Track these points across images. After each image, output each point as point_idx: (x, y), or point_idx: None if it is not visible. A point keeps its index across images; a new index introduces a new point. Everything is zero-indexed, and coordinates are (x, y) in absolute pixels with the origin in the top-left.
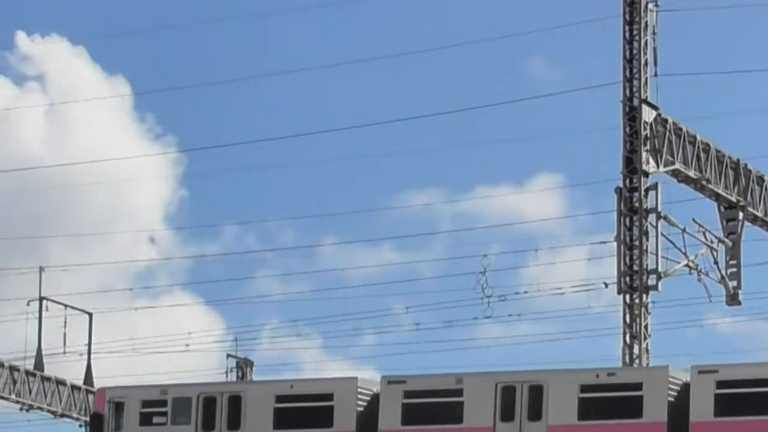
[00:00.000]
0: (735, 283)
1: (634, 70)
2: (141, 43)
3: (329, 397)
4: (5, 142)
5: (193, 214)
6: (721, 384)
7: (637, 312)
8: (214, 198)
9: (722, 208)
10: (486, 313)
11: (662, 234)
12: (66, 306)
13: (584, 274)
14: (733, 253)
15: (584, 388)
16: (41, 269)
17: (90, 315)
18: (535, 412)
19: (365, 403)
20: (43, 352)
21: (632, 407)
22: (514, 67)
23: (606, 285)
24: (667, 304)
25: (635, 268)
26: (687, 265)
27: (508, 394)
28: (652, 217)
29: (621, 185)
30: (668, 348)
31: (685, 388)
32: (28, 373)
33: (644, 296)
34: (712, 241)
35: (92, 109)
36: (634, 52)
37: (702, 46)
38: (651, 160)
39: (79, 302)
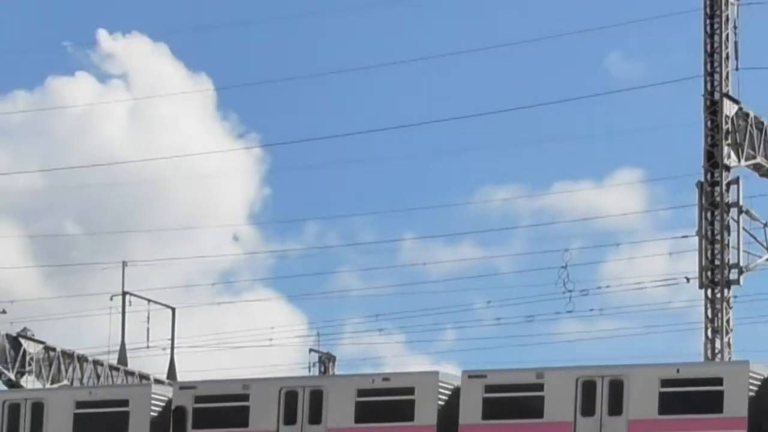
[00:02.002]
0: None
1: (715, 64)
2: (222, 39)
3: (409, 391)
4: (89, 140)
5: (276, 211)
6: None
7: (718, 307)
8: (297, 195)
9: None
10: (567, 308)
11: (744, 228)
12: (149, 301)
13: (665, 269)
14: None
15: (665, 383)
16: (124, 264)
17: (173, 310)
18: (616, 407)
19: (446, 398)
20: (127, 347)
21: (713, 402)
22: (594, 62)
23: (687, 280)
24: (748, 299)
25: (717, 262)
26: None
27: (588, 388)
28: (733, 212)
29: (702, 180)
30: (750, 343)
31: (765, 383)
32: (111, 367)
33: (726, 291)
34: None
35: (176, 107)
36: (715, 45)
37: None
38: (732, 154)
39: (162, 298)
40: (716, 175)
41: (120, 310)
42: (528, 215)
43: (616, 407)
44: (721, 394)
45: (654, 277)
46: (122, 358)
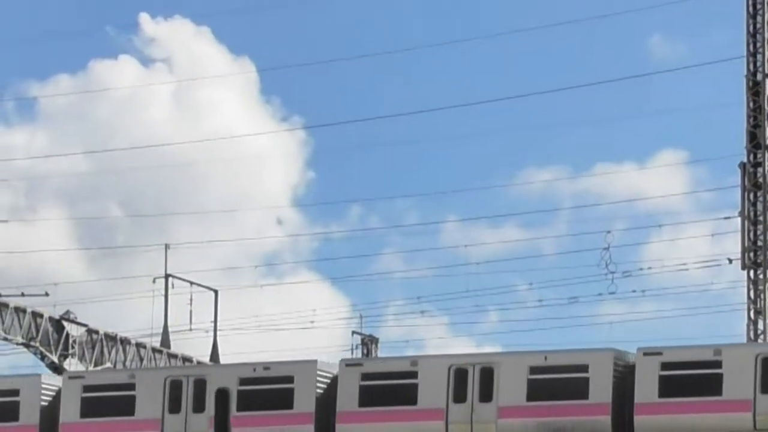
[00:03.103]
0: None
1: (758, 45)
2: (264, 22)
3: (289, 379)
4: (133, 123)
5: (320, 194)
6: None
7: (761, 288)
8: (340, 177)
9: None
10: (610, 290)
11: None
12: (192, 283)
13: (707, 250)
14: None
15: (533, 370)
16: (167, 247)
17: (216, 292)
18: (486, 394)
19: (324, 386)
20: (170, 329)
21: (579, 388)
22: (636, 43)
23: (730, 261)
24: None
25: (759, 243)
26: None
27: (460, 375)
28: None
29: (745, 160)
30: None
31: (629, 368)
32: (154, 350)
33: None
34: None
35: (218, 90)
36: (758, 26)
37: None
38: None
39: (205, 280)
40: (759, 155)
41: (163, 292)
42: (570, 197)
43: (486, 394)
44: (587, 380)
45: (696, 259)
46: (165, 341)
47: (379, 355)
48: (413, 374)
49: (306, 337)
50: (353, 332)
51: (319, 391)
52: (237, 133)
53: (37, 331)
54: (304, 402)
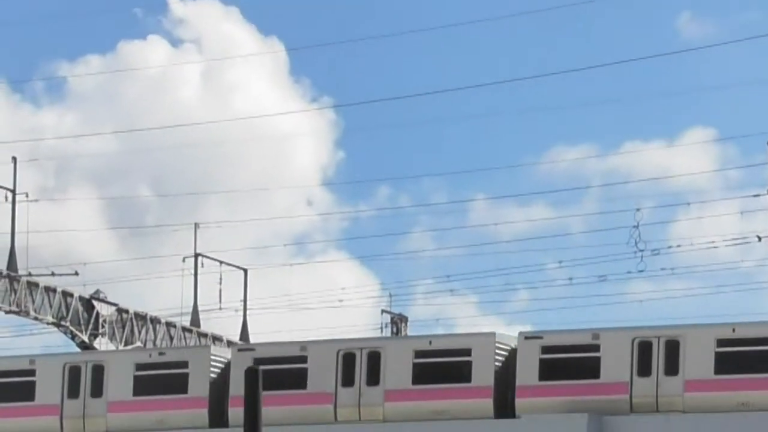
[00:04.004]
0: None
1: None
2: (292, 2)
3: (183, 364)
4: (162, 103)
5: (349, 174)
6: None
7: None
8: (370, 157)
9: None
10: (639, 267)
11: None
12: (221, 262)
13: (736, 228)
14: None
15: (418, 354)
16: (196, 226)
17: (245, 271)
18: (374, 378)
19: (218, 371)
20: (199, 308)
21: (462, 371)
22: (666, 22)
23: (759, 239)
24: None
25: None
26: None
27: (348, 360)
28: None
29: None
30: None
31: (512, 354)
32: (184, 329)
33: None
34: None
35: (247, 70)
36: None
37: None
38: None
39: (234, 259)
40: None
41: (192, 271)
42: (599, 175)
43: (374, 378)
44: (470, 364)
45: (725, 237)
46: (195, 320)
47: (408, 333)
48: (303, 359)
49: (335, 316)
50: (382, 311)
51: (213, 375)
52: (266, 113)
53: (67, 311)
54: (199, 387)
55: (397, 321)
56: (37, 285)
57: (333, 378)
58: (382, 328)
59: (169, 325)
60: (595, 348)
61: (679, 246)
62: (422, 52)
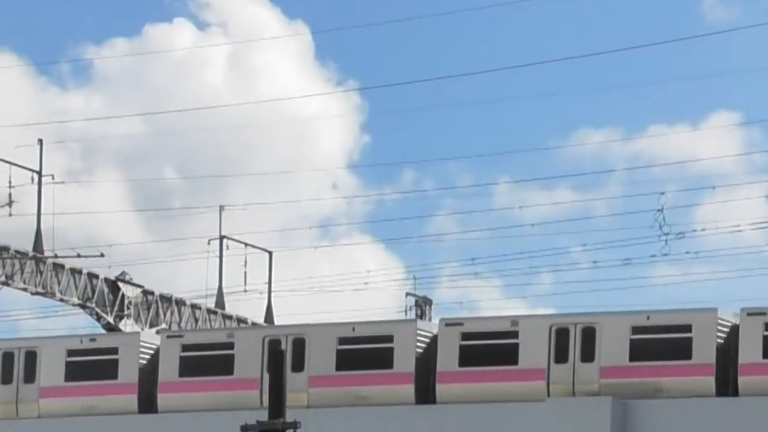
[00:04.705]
0: None
1: None
2: None
3: (113, 351)
4: (188, 86)
5: (374, 157)
6: None
7: None
8: (394, 140)
9: None
10: (663, 251)
11: None
12: (246, 245)
13: (761, 212)
14: None
15: (341, 341)
16: (221, 208)
17: (270, 253)
18: (299, 364)
19: (148, 357)
20: (224, 291)
21: (384, 358)
22: (690, 5)
23: None
24: None
25: None
26: None
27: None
28: None
29: None
30: None
31: (433, 340)
32: (209, 311)
33: None
34: None
35: (273, 54)
36: None
37: None
38: None
39: (260, 242)
40: None
41: (217, 254)
42: (623, 159)
43: (298, 364)
44: (391, 350)
45: (750, 221)
46: (220, 302)
47: (433, 317)
48: (230, 345)
49: (360, 299)
50: (407, 294)
51: (142, 362)
52: (292, 96)
53: (93, 293)
54: (128, 373)
55: (422, 304)
56: (62, 267)
57: (259, 364)
58: (406, 310)
59: (194, 307)
60: (514, 335)
61: (703, 230)
62: (448, 35)
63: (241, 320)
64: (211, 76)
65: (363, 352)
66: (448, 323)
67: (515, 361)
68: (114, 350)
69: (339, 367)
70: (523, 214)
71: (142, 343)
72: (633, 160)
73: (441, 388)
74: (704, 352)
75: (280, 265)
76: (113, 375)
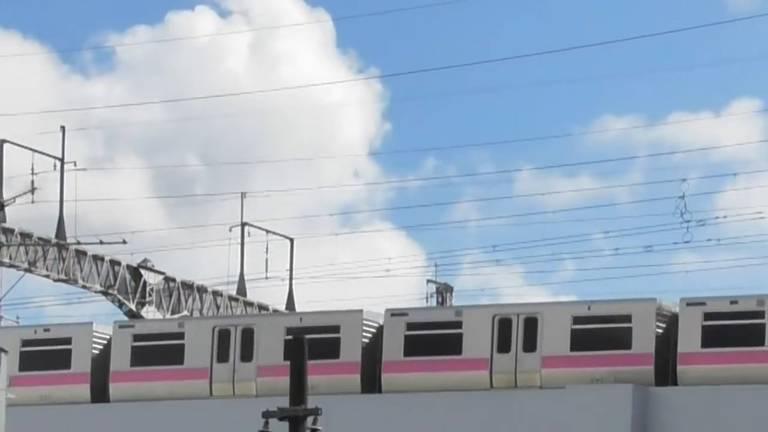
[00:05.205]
0: None
1: None
2: None
3: (67, 341)
4: (210, 73)
5: (395, 145)
6: None
7: None
8: (416, 128)
9: None
10: (685, 238)
11: None
12: (268, 231)
13: None
14: None
15: (289, 331)
16: (243, 195)
17: (291, 240)
18: (247, 354)
19: (101, 347)
20: (246, 278)
21: (331, 348)
22: None
23: None
24: None
25: None
26: None
27: (223, 336)
28: None
29: None
30: None
31: (379, 330)
32: (231, 298)
33: None
34: None
35: (295, 41)
36: None
37: None
38: None
39: (281, 229)
40: None
41: (239, 240)
42: (645, 146)
43: (247, 354)
44: (338, 340)
45: None
46: (241, 289)
47: (454, 303)
48: (180, 335)
49: (381, 286)
50: (428, 281)
51: (95, 351)
52: (313, 83)
53: (115, 279)
54: (81, 363)
55: (443, 291)
56: (85, 253)
57: (209, 354)
58: (427, 298)
59: (215, 294)
60: (458, 325)
61: (725, 217)
62: (469, 22)
63: (262, 307)
64: (232, 63)
65: (310, 341)
66: (394, 313)
67: (459, 351)
68: (67, 340)
69: (287, 357)
70: (545, 201)
71: (95, 333)
72: (655, 147)
73: (387, 377)
74: (644, 341)
75: (302, 252)
76: (66, 365)
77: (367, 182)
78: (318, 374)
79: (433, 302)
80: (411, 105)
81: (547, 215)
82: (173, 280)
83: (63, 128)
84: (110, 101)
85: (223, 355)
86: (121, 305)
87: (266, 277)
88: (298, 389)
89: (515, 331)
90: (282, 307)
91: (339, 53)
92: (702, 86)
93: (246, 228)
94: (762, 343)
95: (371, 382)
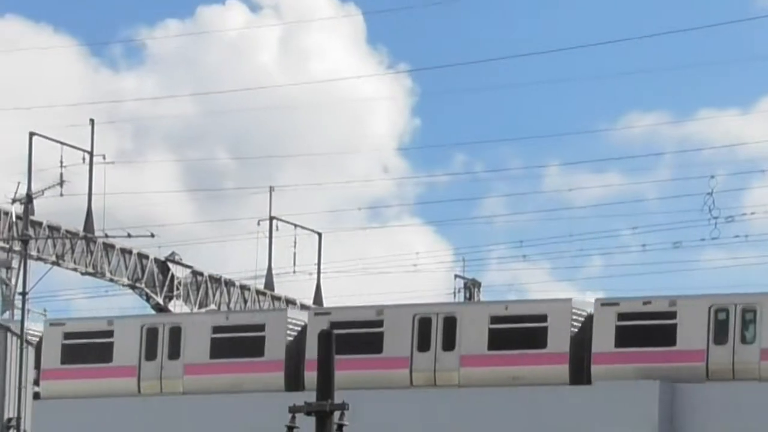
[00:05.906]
0: None
1: None
2: None
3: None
4: (240, 67)
5: (424, 140)
6: None
7: None
8: (445, 123)
9: None
10: (713, 235)
11: None
12: (296, 226)
13: None
14: None
15: (216, 330)
16: (271, 189)
17: (319, 235)
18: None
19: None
20: (273, 272)
21: (256, 347)
22: None
23: None
24: None
25: None
26: None
27: (174, 333)
28: None
29: None
30: None
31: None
32: (258, 292)
33: None
34: None
35: (325, 36)
36: None
37: None
38: None
39: (309, 223)
40: None
41: (267, 234)
42: (673, 142)
43: (175, 352)
44: (263, 339)
45: None
46: (269, 283)
47: (482, 299)
48: (110, 333)
49: (409, 281)
50: (456, 276)
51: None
52: (343, 78)
53: (143, 273)
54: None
55: (471, 286)
56: (113, 247)
57: (137, 352)
58: (455, 293)
59: (243, 288)
60: (379, 324)
61: (753, 213)
62: (498, 17)
63: (289, 301)
64: (263, 57)
65: (237, 340)
66: (317, 312)
67: (380, 350)
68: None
69: (213, 355)
70: (572, 196)
71: (28, 331)
72: (682, 144)
73: (309, 376)
74: (559, 341)
75: (330, 247)
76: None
77: (396, 177)
78: (244, 372)
79: (461, 297)
80: (440, 100)
81: (574, 211)
82: (201, 273)
83: (92, 121)
84: (140, 95)
85: (151, 354)
86: (148, 299)
87: (294, 272)
88: (325, 384)
89: (435, 330)
90: (310, 302)
91: (369, 48)
92: (730, 83)
93: (274, 222)
94: (674, 344)
95: (297, 381)
